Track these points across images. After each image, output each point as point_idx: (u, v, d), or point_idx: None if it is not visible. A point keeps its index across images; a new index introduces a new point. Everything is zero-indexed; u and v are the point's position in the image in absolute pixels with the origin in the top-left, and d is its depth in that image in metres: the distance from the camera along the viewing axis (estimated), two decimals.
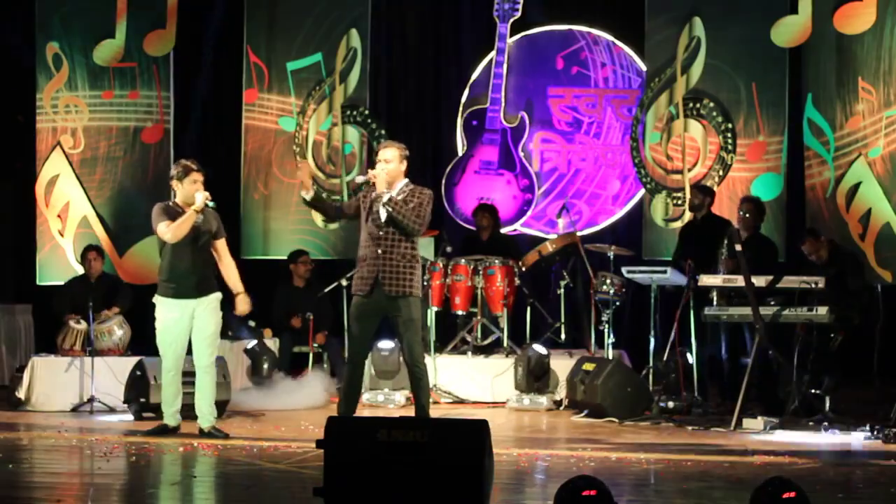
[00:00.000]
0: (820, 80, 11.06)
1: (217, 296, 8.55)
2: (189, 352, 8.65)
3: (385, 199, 7.83)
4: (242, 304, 8.67)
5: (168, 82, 12.20)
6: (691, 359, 9.99)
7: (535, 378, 10.18)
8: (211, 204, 8.45)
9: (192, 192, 8.41)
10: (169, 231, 8.37)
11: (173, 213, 8.42)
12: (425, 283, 10.59)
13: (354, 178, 8.60)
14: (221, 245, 8.62)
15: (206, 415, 8.55)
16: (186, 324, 8.49)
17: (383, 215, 7.86)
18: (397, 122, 12.58)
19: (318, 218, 12.27)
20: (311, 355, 11.08)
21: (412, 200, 7.90)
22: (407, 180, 8.01)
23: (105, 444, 8.25)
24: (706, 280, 9.55)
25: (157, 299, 8.56)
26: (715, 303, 9.61)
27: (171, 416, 8.61)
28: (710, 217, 10.63)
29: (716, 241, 10.01)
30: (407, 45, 12.82)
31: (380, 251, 7.87)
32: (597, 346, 10.77)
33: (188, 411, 8.70)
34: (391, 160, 7.93)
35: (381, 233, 7.88)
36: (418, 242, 8.06)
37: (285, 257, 11.76)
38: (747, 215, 10.07)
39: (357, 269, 8.05)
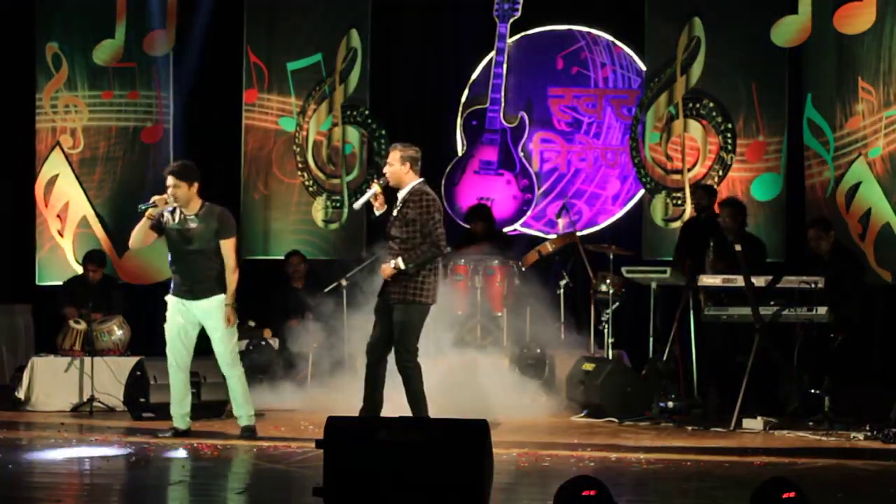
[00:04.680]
0: (820, 80, 11.06)
1: (220, 298, 8.43)
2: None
3: (393, 267, 8.06)
4: (228, 317, 8.45)
5: (168, 82, 12.21)
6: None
7: None
8: (169, 208, 8.42)
9: None
10: (130, 237, 8.56)
11: (158, 219, 8.47)
12: None
13: (354, 205, 8.71)
14: (223, 246, 8.49)
15: (239, 415, 8.56)
16: (188, 323, 8.46)
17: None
18: (397, 122, 12.57)
19: (318, 218, 12.28)
20: (310, 355, 11.07)
21: (419, 218, 8.06)
22: (416, 182, 8.24)
23: (105, 444, 8.24)
24: (706, 280, 9.56)
25: (167, 297, 8.60)
26: (703, 304, 9.60)
27: (179, 419, 8.57)
28: (712, 216, 10.63)
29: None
30: (407, 45, 12.79)
31: (388, 258, 8.23)
32: (597, 346, 10.76)
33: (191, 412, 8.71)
34: (392, 163, 8.23)
35: (390, 243, 8.21)
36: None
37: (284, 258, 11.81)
38: (728, 219, 10.06)
39: None
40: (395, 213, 8.16)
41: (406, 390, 8.09)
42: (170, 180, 8.39)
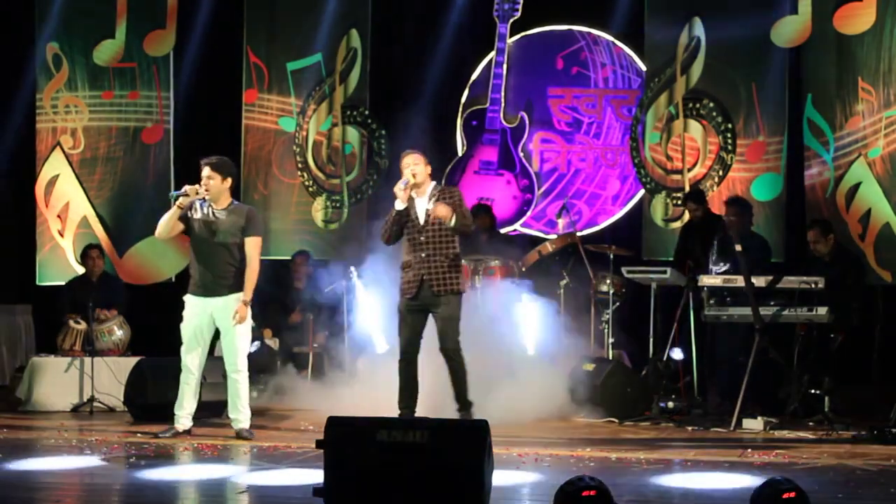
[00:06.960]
0: (820, 80, 11.06)
1: (237, 296, 8.45)
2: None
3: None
4: (240, 312, 8.48)
5: (168, 82, 12.21)
6: (680, 354, 10.00)
7: None
8: (199, 199, 8.40)
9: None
10: (157, 226, 8.48)
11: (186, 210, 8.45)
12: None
13: (396, 209, 8.54)
14: (248, 243, 8.51)
15: (235, 417, 8.56)
16: (204, 322, 8.45)
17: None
18: (397, 122, 12.56)
19: (317, 218, 12.28)
20: (310, 355, 11.08)
21: (449, 201, 8.50)
22: (434, 182, 8.69)
23: (105, 444, 8.25)
24: (706, 280, 9.55)
25: (186, 296, 8.57)
26: (705, 305, 9.60)
27: (180, 419, 8.56)
28: (709, 215, 10.63)
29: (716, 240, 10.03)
30: (407, 45, 12.80)
31: (423, 255, 8.50)
32: (597, 346, 10.76)
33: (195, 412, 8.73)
34: (419, 164, 8.57)
35: (422, 238, 8.52)
36: (459, 242, 8.67)
37: (285, 257, 11.81)
38: (733, 218, 10.06)
39: (403, 273, 8.61)
40: (428, 209, 8.53)
41: (457, 378, 8.58)
42: (205, 171, 8.42)
